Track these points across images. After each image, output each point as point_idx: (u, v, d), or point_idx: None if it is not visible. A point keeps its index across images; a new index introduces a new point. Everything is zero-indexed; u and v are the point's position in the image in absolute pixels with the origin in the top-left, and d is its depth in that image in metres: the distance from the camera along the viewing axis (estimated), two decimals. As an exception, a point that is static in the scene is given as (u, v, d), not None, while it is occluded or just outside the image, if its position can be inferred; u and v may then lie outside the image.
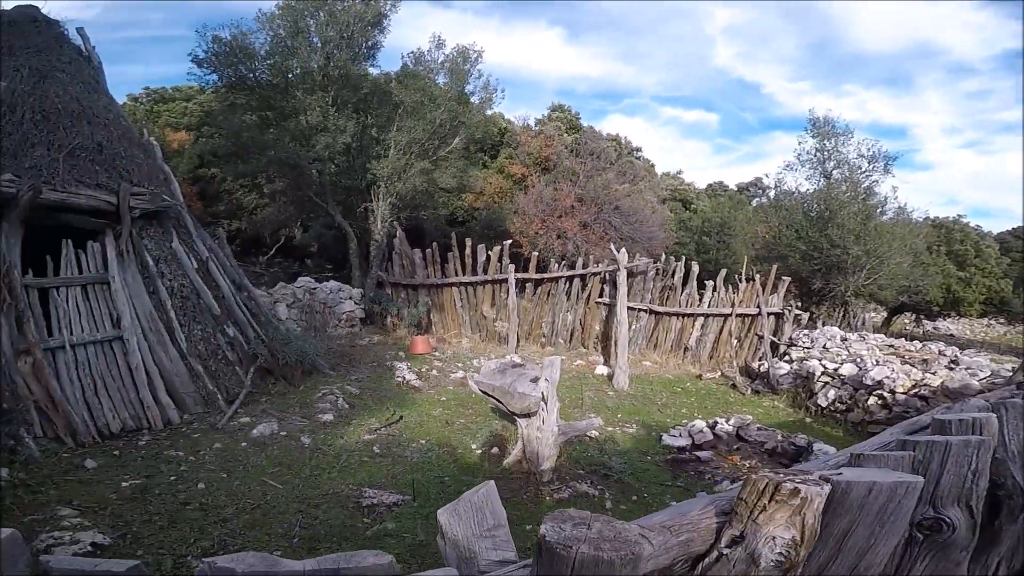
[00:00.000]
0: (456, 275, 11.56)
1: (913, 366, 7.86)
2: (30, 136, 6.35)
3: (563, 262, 12.04)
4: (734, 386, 9.53)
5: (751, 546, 1.02)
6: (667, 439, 6.62)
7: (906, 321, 21.37)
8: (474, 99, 13.78)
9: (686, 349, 10.97)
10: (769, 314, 10.48)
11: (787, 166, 14.97)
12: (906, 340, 10.52)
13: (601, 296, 11.12)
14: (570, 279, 11.30)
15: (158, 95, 22.07)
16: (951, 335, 20.69)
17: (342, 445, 5.97)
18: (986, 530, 2.00)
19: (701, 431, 6.71)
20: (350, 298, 11.84)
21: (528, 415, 5.04)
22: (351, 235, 13.47)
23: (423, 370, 9.06)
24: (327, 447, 5.91)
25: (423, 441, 6.19)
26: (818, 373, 8.48)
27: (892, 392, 7.21)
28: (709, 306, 10.78)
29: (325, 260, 18.62)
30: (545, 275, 11.41)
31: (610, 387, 9.11)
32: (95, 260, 6.49)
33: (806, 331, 10.55)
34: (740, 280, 10.72)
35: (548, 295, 11.42)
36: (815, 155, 14.12)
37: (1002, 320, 21.75)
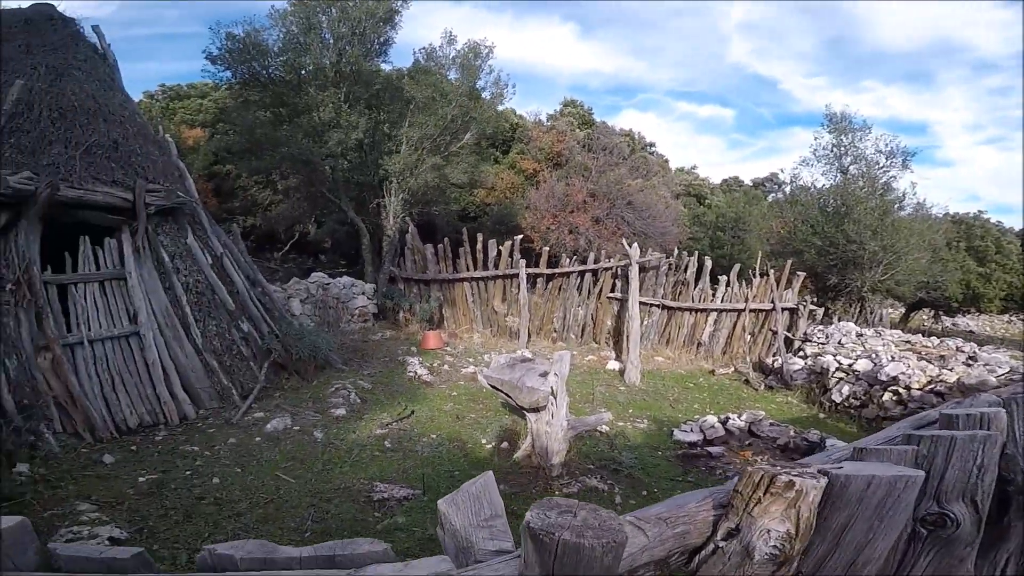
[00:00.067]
0: (467, 270, 11.59)
1: (930, 362, 7.75)
2: (47, 134, 6.45)
3: (575, 257, 12.01)
4: (747, 382, 9.46)
5: (746, 539, 1.02)
6: (678, 434, 6.59)
7: (924, 317, 21.07)
8: (485, 95, 13.76)
9: (699, 345, 10.90)
10: (783, 309, 10.39)
11: (803, 161, 14.85)
12: (923, 336, 10.38)
13: (613, 291, 11.09)
14: (581, 274, 11.29)
15: (173, 92, 22.29)
16: (971, 331, 20.36)
17: (354, 440, 6.02)
18: (995, 526, 1.98)
19: (713, 426, 6.67)
20: (363, 293, 11.91)
21: (537, 410, 5.05)
22: (363, 231, 13.54)
23: (434, 365, 9.10)
24: (339, 442, 5.96)
25: (434, 436, 6.23)
26: (832, 369, 8.39)
27: (907, 388, 7.12)
28: (722, 301, 10.71)
29: (339, 256, 18.74)
30: (556, 270, 11.40)
31: (621, 382, 9.09)
32: (112, 256, 6.59)
33: (821, 327, 10.44)
34: (754, 275, 10.63)
35: (559, 290, 11.42)
36: (832, 150, 13.99)
37: (1023, 317, 21.38)
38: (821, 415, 7.92)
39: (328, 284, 11.57)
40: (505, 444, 6.00)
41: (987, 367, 7.42)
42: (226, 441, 5.82)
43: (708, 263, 10.88)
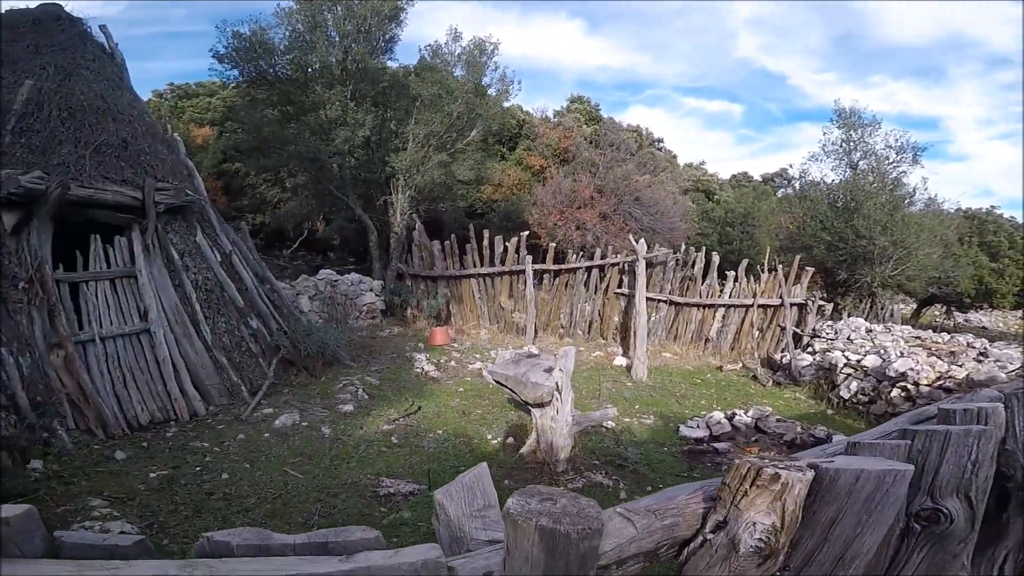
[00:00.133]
0: (474, 267, 11.62)
1: (939, 358, 7.70)
2: (57, 133, 6.52)
3: (581, 253, 12.01)
4: (755, 378, 9.43)
5: (732, 531, 1.03)
6: (684, 430, 6.59)
7: (936, 313, 20.88)
8: (491, 91, 13.78)
9: (707, 340, 10.88)
10: (792, 305, 10.34)
11: (812, 157, 14.79)
12: (934, 332, 10.29)
13: (620, 287, 11.08)
14: (588, 270, 11.28)
15: (182, 91, 22.44)
16: (983, 327, 20.17)
17: (361, 435, 6.07)
18: (993, 523, 1.97)
19: (719, 422, 6.67)
20: (371, 290, 11.98)
21: (542, 405, 5.07)
22: (371, 228, 13.61)
23: (441, 361, 9.14)
24: (347, 437, 6.01)
25: (440, 431, 6.27)
26: (840, 364, 8.35)
27: (916, 384, 7.08)
28: (730, 297, 10.67)
29: (347, 253, 18.84)
30: (563, 266, 11.40)
31: (628, 378, 9.09)
32: (122, 254, 6.66)
33: (830, 322, 10.39)
34: (762, 271, 10.59)
35: (566, 286, 11.42)
36: (841, 146, 13.93)
37: (1036, 312, 21.12)
38: (829, 411, 7.89)
39: (336, 281, 11.65)
40: (511, 440, 6.03)
41: (998, 363, 7.36)
42: (235, 437, 5.89)
43: (716, 258, 10.85)
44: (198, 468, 5.15)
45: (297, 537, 0.94)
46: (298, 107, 12.99)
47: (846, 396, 7.89)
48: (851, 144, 13.72)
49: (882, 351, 8.11)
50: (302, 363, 7.88)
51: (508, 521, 0.85)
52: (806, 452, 1.64)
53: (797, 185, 16.23)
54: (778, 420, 6.76)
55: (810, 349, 9.66)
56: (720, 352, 10.77)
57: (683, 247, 11.32)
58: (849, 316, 11.27)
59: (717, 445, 6.18)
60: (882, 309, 13.67)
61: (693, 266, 10.83)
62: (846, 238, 12.89)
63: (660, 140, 26.41)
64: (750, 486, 1.02)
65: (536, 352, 7.07)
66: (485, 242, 11.55)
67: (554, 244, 12.06)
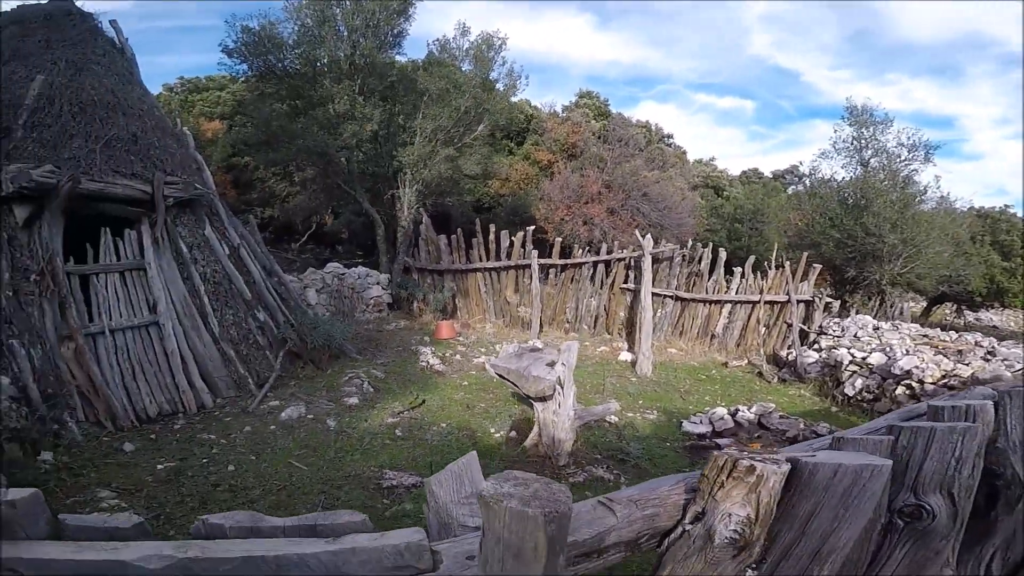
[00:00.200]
0: (480, 261, 11.66)
1: (946, 356, 7.66)
2: (68, 128, 6.59)
3: (588, 248, 12.02)
4: (760, 374, 9.42)
5: (709, 522, 1.06)
6: (687, 426, 6.62)
7: (947, 312, 20.70)
8: (499, 86, 13.78)
9: (713, 336, 10.86)
10: (799, 302, 10.31)
11: (822, 154, 14.69)
12: (941, 330, 10.23)
13: (626, 282, 11.08)
14: (595, 265, 11.30)
15: (192, 85, 22.56)
16: (994, 326, 19.96)
17: (366, 428, 6.13)
18: (982, 521, 1.99)
19: (722, 418, 6.69)
20: (378, 283, 12.05)
21: (544, 399, 5.11)
22: (378, 221, 13.67)
23: (447, 355, 9.19)
24: (351, 430, 6.07)
25: (444, 425, 6.32)
26: (846, 362, 8.33)
27: (921, 382, 7.05)
28: (737, 293, 10.65)
29: (355, 246, 18.93)
30: (569, 261, 11.42)
31: (633, 373, 9.11)
32: (132, 247, 6.74)
33: (837, 319, 10.35)
34: (769, 267, 10.56)
35: (572, 281, 11.44)
36: (852, 143, 13.83)
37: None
38: (833, 408, 7.88)
39: (343, 274, 11.72)
40: (514, 433, 6.07)
41: (1005, 362, 7.31)
42: (242, 429, 5.96)
43: (723, 254, 10.82)
44: (205, 460, 5.21)
45: (287, 520, 0.99)
46: (306, 101, 13.04)
47: (851, 393, 7.87)
48: (862, 142, 13.62)
49: (888, 349, 8.08)
50: (308, 356, 7.96)
51: (481, 503, 0.89)
52: (794, 447, 1.67)
53: (807, 182, 16.15)
54: (781, 417, 6.77)
55: (816, 346, 9.63)
56: (726, 348, 10.75)
57: (690, 243, 11.30)
58: (857, 313, 11.21)
59: (719, 441, 6.19)
60: (891, 307, 13.58)
61: (700, 262, 10.82)
62: (855, 235, 12.81)
63: (670, 136, 26.32)
64: (727, 477, 1.05)
65: (540, 346, 7.10)
66: (491, 236, 11.58)
67: (560, 239, 12.08)
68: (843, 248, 13.17)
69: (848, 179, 14.18)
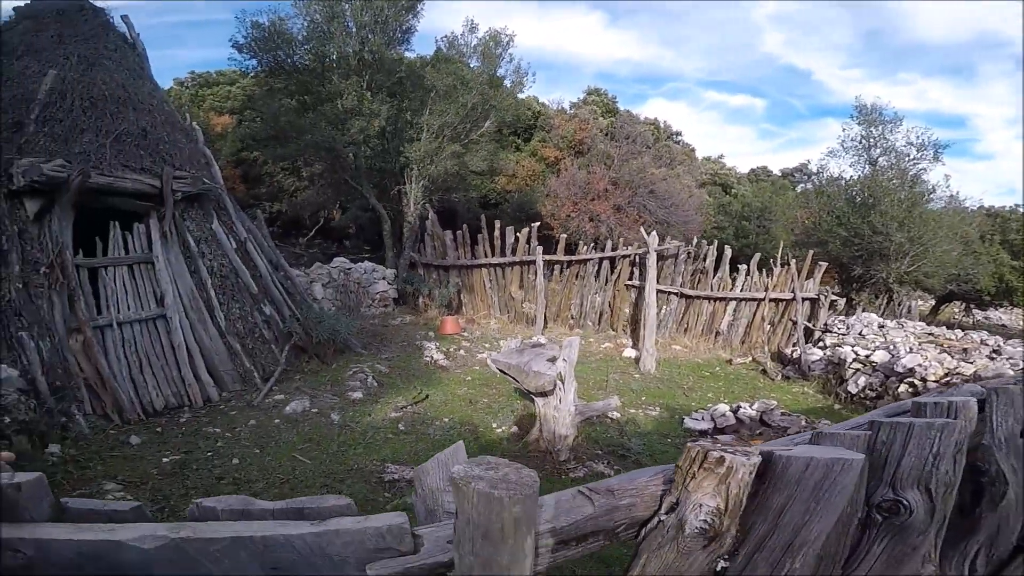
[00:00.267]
0: (485, 257, 11.70)
1: (950, 354, 7.65)
2: (79, 122, 6.67)
3: (594, 245, 12.04)
4: (764, 372, 9.43)
5: (681, 512, 1.10)
6: (689, 422, 6.64)
7: (956, 311, 20.59)
8: (506, 83, 13.82)
9: (717, 334, 10.87)
10: (804, 299, 10.30)
11: (831, 152, 14.72)
12: (948, 328, 10.19)
13: (631, 279, 11.10)
14: (600, 261, 11.32)
15: (203, 79, 22.70)
16: (1003, 325, 19.86)
17: (369, 422, 6.20)
18: (968, 517, 2.01)
19: (724, 415, 6.71)
20: (383, 278, 12.12)
21: (544, 394, 5.15)
22: (385, 217, 13.75)
23: (451, 350, 9.25)
24: (355, 424, 6.13)
25: (446, 419, 6.37)
26: (849, 359, 8.33)
27: (923, 380, 7.05)
28: (742, 290, 10.65)
29: (363, 241, 19.03)
30: (573, 257, 11.45)
31: (637, 370, 9.14)
32: (140, 241, 6.82)
33: (842, 317, 10.34)
34: (775, 265, 10.55)
35: (577, 277, 11.47)
36: (860, 142, 13.80)
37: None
38: (836, 406, 7.88)
39: (350, 269, 11.80)
40: (516, 429, 6.12)
41: (1010, 360, 7.30)
42: (247, 423, 6.03)
43: (728, 251, 10.82)
44: (209, 453, 5.28)
45: (276, 504, 1.04)
46: (315, 97, 13.11)
47: (854, 391, 7.87)
48: (871, 140, 13.59)
49: (891, 347, 8.07)
50: (313, 350, 8.03)
51: (453, 485, 0.94)
52: (775, 441, 1.70)
53: (815, 180, 16.12)
54: (783, 414, 6.78)
55: (821, 344, 9.63)
56: (731, 345, 10.76)
57: (695, 240, 11.30)
58: (863, 311, 11.18)
59: (721, 437, 6.22)
60: (899, 305, 13.53)
61: (704, 259, 10.82)
62: (862, 234, 12.78)
63: (678, 133, 26.25)
64: (698, 468, 1.08)
65: (544, 342, 7.13)
66: (496, 232, 11.63)
67: (566, 236, 12.10)
68: (850, 246, 13.15)
69: (856, 177, 14.18)
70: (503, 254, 11.60)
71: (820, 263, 10.62)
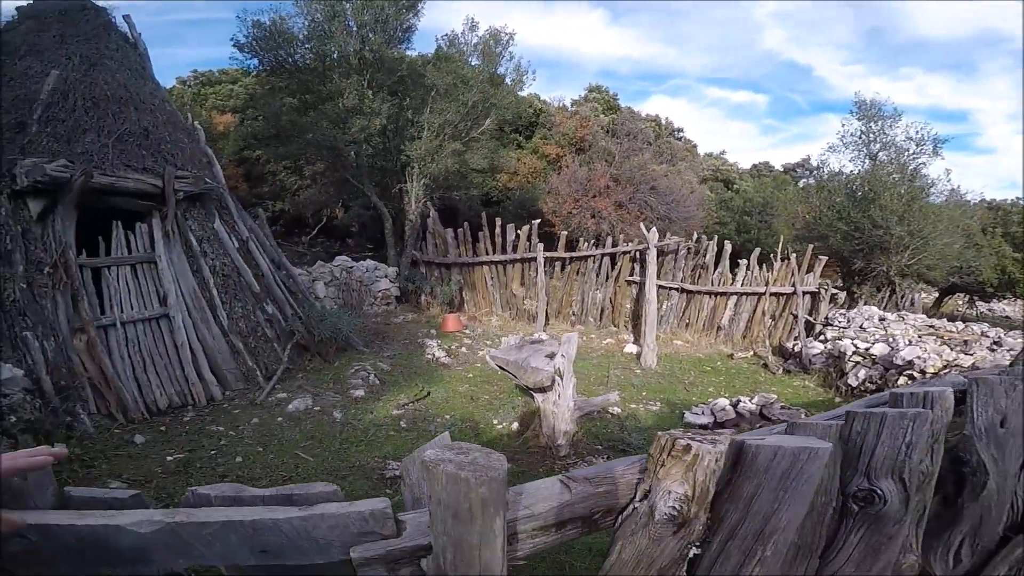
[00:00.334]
0: (487, 254, 11.76)
1: (951, 347, 7.67)
2: (81, 122, 6.73)
3: (595, 241, 12.08)
4: (765, 366, 9.46)
5: (652, 499, 1.15)
6: (689, 417, 6.69)
7: (959, 303, 20.58)
8: (506, 81, 13.85)
9: (718, 328, 10.90)
10: (805, 293, 10.32)
11: (831, 148, 14.77)
12: (949, 321, 10.21)
13: (632, 275, 11.14)
14: (600, 258, 11.36)
15: (205, 78, 22.78)
16: (1006, 317, 19.86)
17: (371, 420, 6.26)
18: (951, 508, 2.06)
19: (724, 409, 6.75)
20: (385, 276, 12.19)
21: (543, 390, 5.20)
22: (386, 215, 13.81)
23: (453, 347, 9.31)
24: (357, 421, 6.20)
25: (448, 416, 6.44)
26: (849, 353, 8.36)
27: (923, 372, 7.08)
28: (742, 285, 10.68)
29: (365, 240, 19.10)
30: (574, 254, 11.49)
31: (638, 365, 9.18)
32: (143, 240, 6.90)
33: (843, 311, 10.36)
34: (776, 259, 10.57)
35: (578, 274, 11.52)
36: (860, 137, 13.87)
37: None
38: (837, 399, 7.91)
39: (352, 267, 11.87)
40: (516, 425, 6.18)
41: (1011, 352, 7.32)
42: (250, 421, 6.09)
43: (728, 247, 10.84)
44: (213, 452, 5.35)
45: (267, 490, 1.10)
46: (316, 96, 13.16)
47: (854, 384, 7.90)
48: (870, 135, 13.66)
49: (891, 339, 8.10)
50: (316, 348, 8.10)
51: (423, 468, 0.99)
52: (751, 432, 1.75)
53: (816, 175, 16.17)
54: (783, 407, 6.82)
55: (822, 337, 9.65)
56: (732, 340, 10.79)
57: (695, 235, 11.33)
58: (865, 304, 11.20)
59: (720, 431, 6.26)
60: (903, 298, 13.55)
61: (705, 254, 10.85)
62: (862, 227, 12.83)
63: (680, 130, 26.23)
64: (667, 456, 1.13)
65: (544, 338, 7.19)
66: (498, 230, 11.68)
67: (567, 232, 12.14)
68: (850, 240, 13.20)
69: (856, 172, 14.25)
70: (504, 251, 11.65)
71: (820, 257, 10.64)
